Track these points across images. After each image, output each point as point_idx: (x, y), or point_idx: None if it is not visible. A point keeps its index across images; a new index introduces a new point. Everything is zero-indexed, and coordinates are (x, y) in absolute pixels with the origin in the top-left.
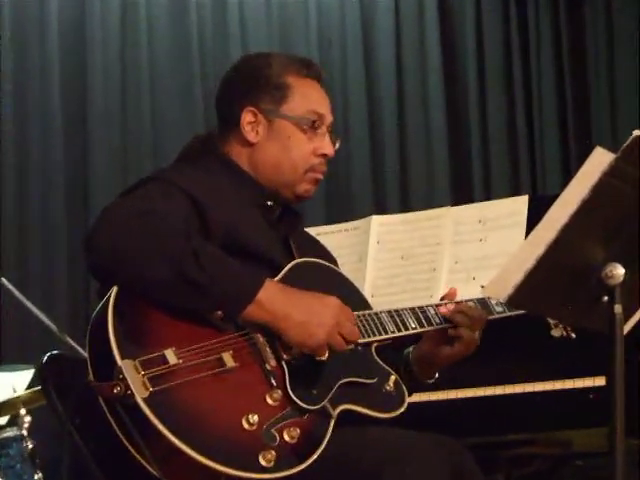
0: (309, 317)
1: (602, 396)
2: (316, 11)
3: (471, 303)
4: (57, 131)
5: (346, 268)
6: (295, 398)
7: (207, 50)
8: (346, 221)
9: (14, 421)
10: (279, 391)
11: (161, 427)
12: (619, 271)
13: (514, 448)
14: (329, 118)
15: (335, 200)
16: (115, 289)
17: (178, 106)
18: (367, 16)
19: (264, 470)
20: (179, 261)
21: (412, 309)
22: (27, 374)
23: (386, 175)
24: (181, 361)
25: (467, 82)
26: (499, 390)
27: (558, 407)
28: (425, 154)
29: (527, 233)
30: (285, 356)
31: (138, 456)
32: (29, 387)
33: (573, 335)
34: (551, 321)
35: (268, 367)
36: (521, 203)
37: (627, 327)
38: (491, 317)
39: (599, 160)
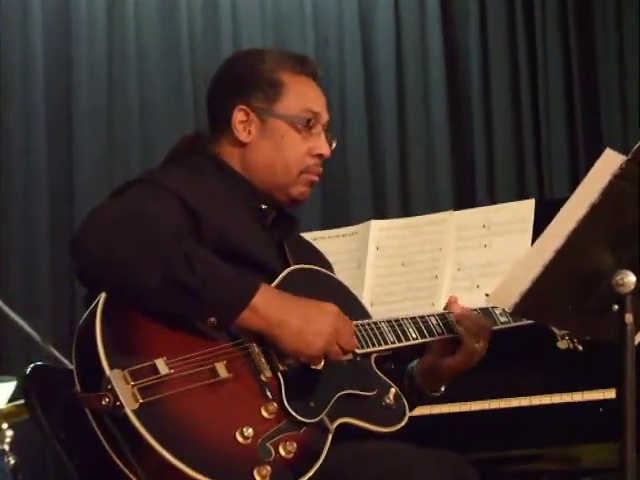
0: (306, 324)
1: (612, 410)
2: (312, 6)
3: (477, 312)
4: (40, 130)
5: (344, 275)
6: (291, 410)
7: (197, 46)
8: (343, 226)
9: None
10: (275, 403)
11: (152, 440)
12: (630, 279)
13: (520, 464)
14: (325, 116)
15: (332, 203)
16: (103, 295)
17: (167, 104)
18: (366, 11)
19: None
20: (169, 265)
21: (413, 318)
22: (9, 386)
23: (385, 177)
24: (172, 371)
25: (470, 80)
26: (504, 403)
27: (566, 421)
28: (426, 156)
29: (534, 239)
30: (281, 367)
31: (127, 471)
32: (11, 400)
33: (580, 348)
34: (557, 332)
35: (263, 378)
36: (527, 207)
37: (638, 337)
38: (496, 328)
39: (609, 162)
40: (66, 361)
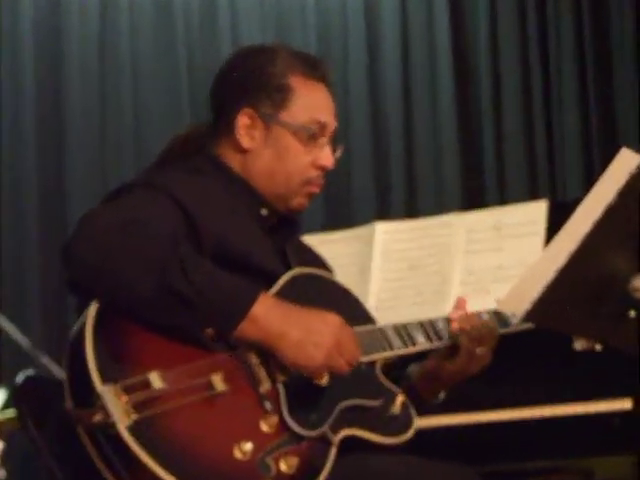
0: (307, 336)
1: (628, 421)
2: None
3: (485, 315)
4: (29, 128)
5: (347, 280)
6: (292, 424)
7: (194, 40)
8: (346, 228)
9: None
10: (274, 416)
11: (146, 458)
12: None
13: (532, 477)
14: (332, 125)
15: (334, 204)
16: (94, 305)
17: (163, 101)
18: (370, 2)
19: None
20: (164, 273)
21: (420, 323)
22: None
23: (390, 177)
24: (167, 385)
25: (479, 75)
26: (515, 414)
27: (580, 432)
28: (433, 154)
29: (546, 242)
30: (281, 378)
31: None
32: (1, 411)
33: (598, 347)
34: None
35: (262, 390)
36: (539, 209)
37: None
38: (504, 331)
39: (625, 162)
40: (57, 369)
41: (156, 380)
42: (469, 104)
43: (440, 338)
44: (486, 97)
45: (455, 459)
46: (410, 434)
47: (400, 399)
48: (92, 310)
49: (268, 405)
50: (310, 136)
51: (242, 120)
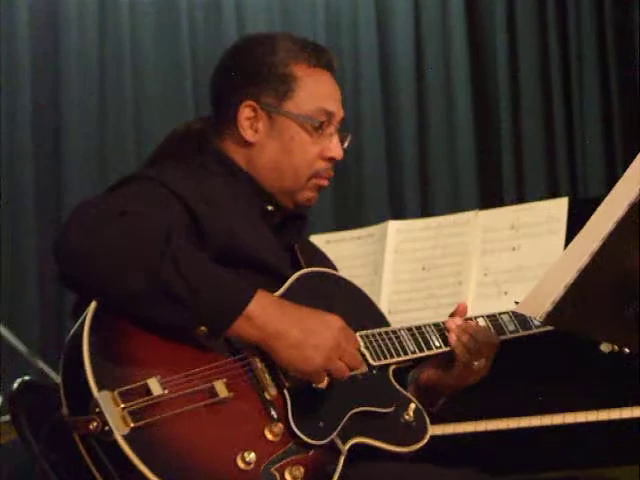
0: (305, 337)
1: None
2: None
3: (481, 321)
4: (26, 121)
5: (359, 281)
6: (298, 432)
7: (198, 31)
8: (358, 227)
9: None
10: (280, 424)
11: (143, 468)
12: None
13: None
14: (339, 114)
15: (345, 202)
16: (91, 309)
17: (165, 95)
18: None
19: None
20: (154, 266)
21: (436, 325)
22: None
23: (404, 174)
24: (167, 391)
25: (496, 67)
26: (535, 421)
27: (603, 440)
28: (448, 150)
29: (567, 241)
30: (287, 383)
31: None
32: None
33: (627, 349)
34: None
35: (267, 397)
36: (560, 206)
37: None
38: (503, 338)
39: None
40: (54, 375)
41: (155, 386)
42: (486, 99)
43: None
44: (504, 92)
45: (470, 467)
46: (424, 442)
47: (413, 406)
48: (89, 314)
49: (274, 412)
50: (317, 126)
51: (244, 113)
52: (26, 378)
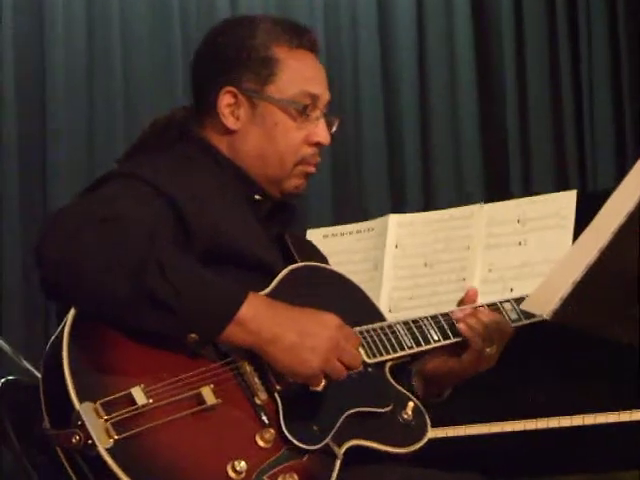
0: (301, 339)
1: None
2: None
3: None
4: (9, 108)
5: (358, 277)
6: (291, 437)
7: (190, 13)
8: (358, 221)
9: None
10: (272, 430)
11: None
12: None
13: None
14: (325, 97)
15: (344, 195)
16: (71, 314)
17: (155, 80)
18: None
19: None
20: (139, 272)
21: (434, 317)
22: None
23: (405, 165)
24: (151, 400)
25: (503, 59)
26: (542, 424)
27: (623, 443)
28: (452, 140)
29: (575, 236)
30: (278, 387)
31: None
32: None
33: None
34: None
35: (258, 401)
36: (568, 199)
37: None
38: (516, 325)
39: None
40: (40, 375)
41: (139, 395)
42: (491, 89)
43: (457, 334)
44: (511, 84)
45: (473, 470)
46: (423, 442)
47: (412, 404)
48: (69, 320)
49: (265, 417)
50: (301, 110)
51: (225, 99)
52: (10, 377)
